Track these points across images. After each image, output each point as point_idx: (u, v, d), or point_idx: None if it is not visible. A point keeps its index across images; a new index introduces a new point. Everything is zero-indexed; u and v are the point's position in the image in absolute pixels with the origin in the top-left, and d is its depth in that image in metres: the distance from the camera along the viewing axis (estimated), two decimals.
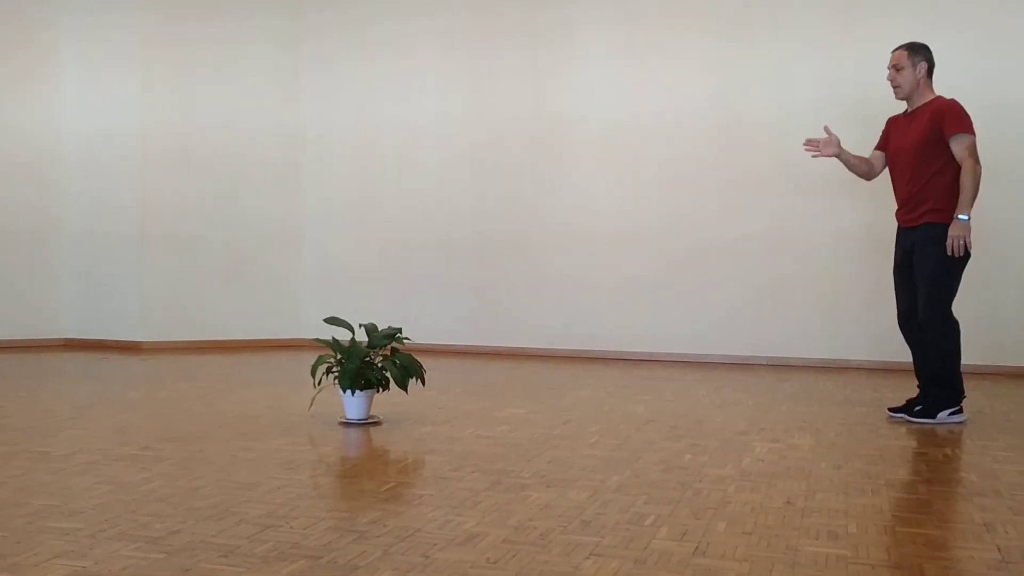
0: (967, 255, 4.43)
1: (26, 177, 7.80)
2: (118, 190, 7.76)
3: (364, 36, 7.89)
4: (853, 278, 6.63)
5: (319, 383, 4.33)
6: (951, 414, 4.49)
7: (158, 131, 7.72)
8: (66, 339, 7.95)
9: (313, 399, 4.47)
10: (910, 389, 4.95)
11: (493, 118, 7.52)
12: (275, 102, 8.01)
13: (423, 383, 4.49)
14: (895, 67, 4.58)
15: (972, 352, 6.11)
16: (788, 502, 3.02)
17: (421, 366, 4.43)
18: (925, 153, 4.45)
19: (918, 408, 4.53)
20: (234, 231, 7.91)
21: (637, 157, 7.17)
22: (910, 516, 2.88)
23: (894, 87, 4.62)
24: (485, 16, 7.53)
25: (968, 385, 4.74)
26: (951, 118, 4.40)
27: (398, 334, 4.49)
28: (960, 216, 4.33)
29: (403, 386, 4.36)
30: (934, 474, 3.45)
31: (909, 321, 4.60)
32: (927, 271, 4.44)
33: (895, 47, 4.66)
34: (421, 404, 4.85)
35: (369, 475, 3.45)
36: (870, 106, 6.51)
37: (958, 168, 4.39)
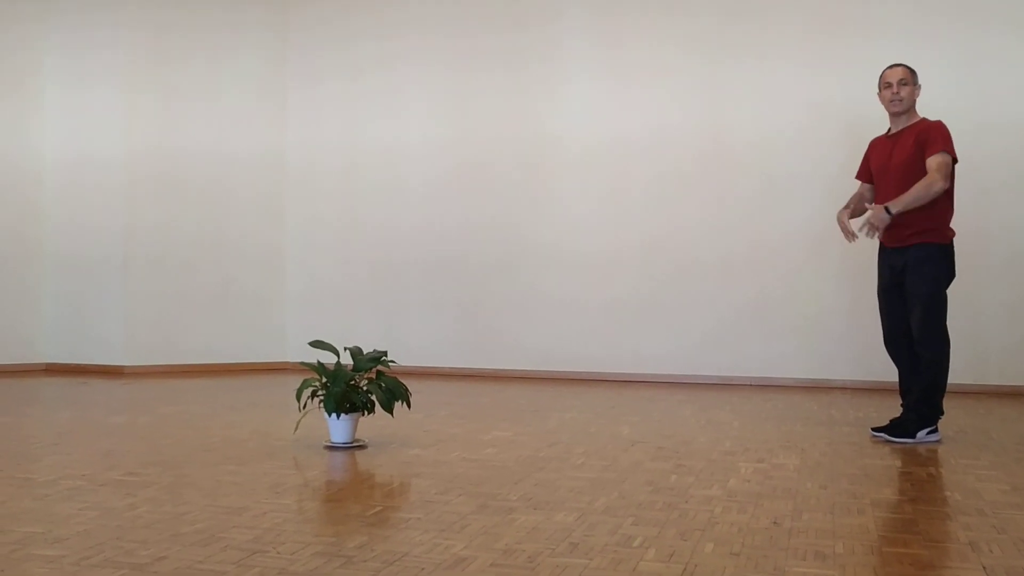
0: (954, 274, 4.50)
1: (8, 200, 7.77)
2: (101, 213, 7.73)
3: (350, 56, 7.92)
4: (836, 297, 6.68)
5: (304, 407, 4.31)
6: (928, 433, 4.52)
7: (142, 152, 7.71)
8: (47, 364, 7.88)
9: (298, 423, 4.45)
10: (893, 408, 4.99)
11: (478, 138, 7.56)
12: (259, 123, 8.02)
13: (409, 406, 4.48)
14: (901, 82, 4.59)
15: (954, 370, 6.18)
16: (775, 522, 3.02)
17: (407, 389, 4.42)
18: (913, 173, 4.47)
19: (897, 427, 4.56)
20: (218, 253, 7.89)
21: (621, 177, 7.22)
22: (896, 536, 2.89)
23: (895, 101, 4.60)
24: (471, 37, 7.58)
25: (950, 403, 4.78)
26: (937, 137, 4.45)
27: (383, 357, 4.49)
28: (888, 208, 4.36)
29: (389, 409, 4.35)
30: (919, 493, 3.47)
31: (897, 341, 4.64)
32: (922, 291, 4.47)
33: (890, 65, 4.70)
34: (407, 427, 4.84)
35: (355, 499, 3.44)
36: (852, 126, 6.60)
37: (948, 189, 4.44)
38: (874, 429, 4.68)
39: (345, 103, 7.95)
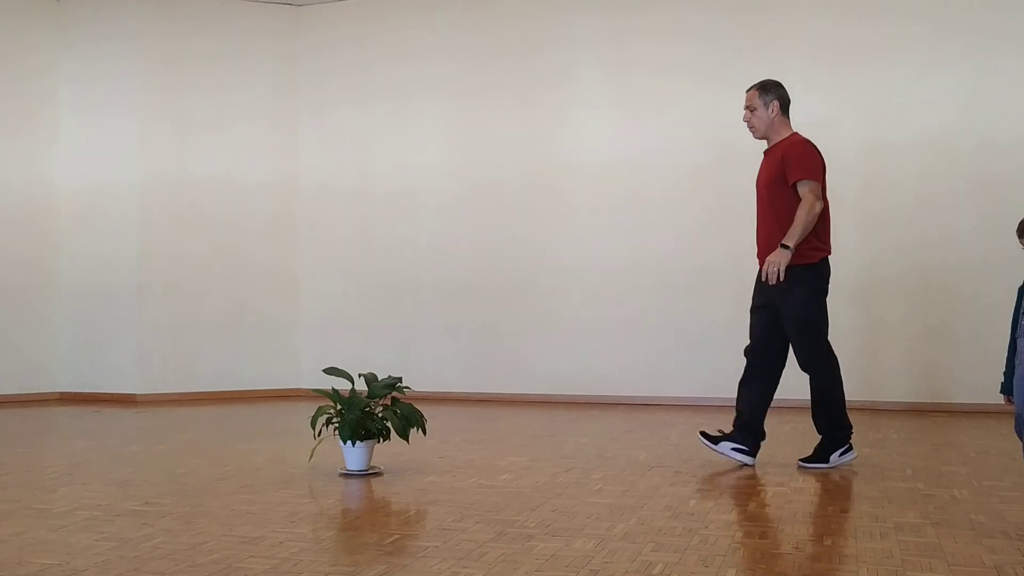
0: (825, 289, 4.39)
1: (23, 229, 7.80)
2: (115, 241, 7.76)
3: (360, 84, 7.95)
4: (855, 318, 6.64)
5: (319, 434, 4.29)
6: (841, 454, 4.40)
7: (155, 180, 7.74)
8: (60, 392, 7.89)
9: (313, 450, 4.43)
10: (910, 429, 4.94)
11: (490, 164, 7.57)
12: (271, 150, 8.05)
13: (424, 432, 4.46)
14: (748, 108, 4.49)
15: (975, 391, 6.15)
16: (796, 548, 2.99)
17: (422, 415, 4.40)
18: (777, 193, 4.37)
19: (813, 454, 4.44)
20: (231, 280, 7.90)
21: (633, 200, 7.21)
22: (920, 560, 2.85)
23: (749, 128, 4.53)
24: (481, 64, 7.61)
25: (971, 424, 4.73)
26: (794, 163, 4.30)
27: (398, 383, 4.47)
28: (784, 244, 4.22)
29: (404, 436, 4.33)
30: (942, 516, 3.42)
31: (755, 353, 4.54)
32: (795, 314, 4.35)
33: (748, 87, 4.57)
34: (422, 454, 4.82)
35: (372, 527, 3.42)
36: (867, 148, 6.60)
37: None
38: (801, 461, 4.50)
39: (356, 130, 7.98)
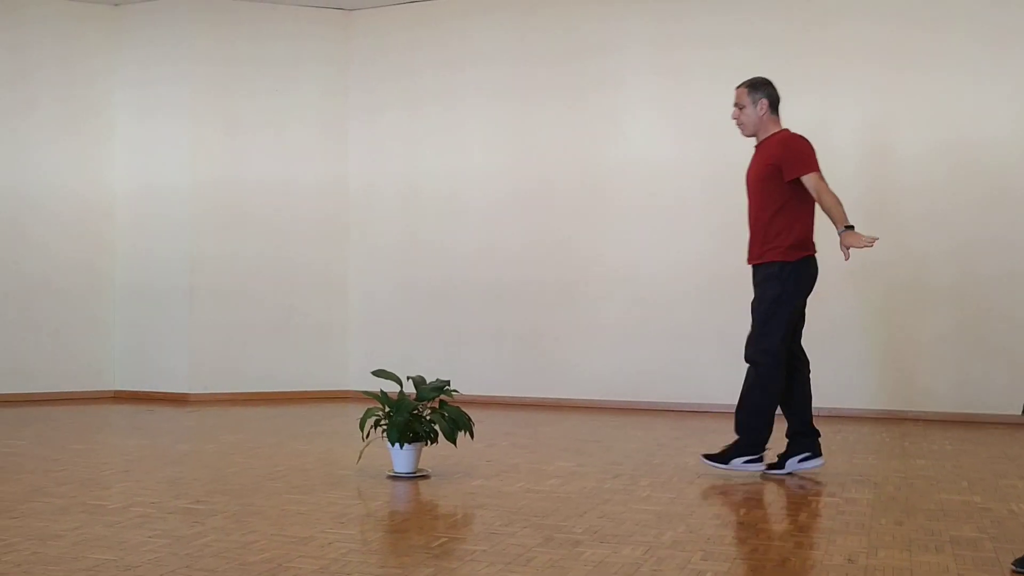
0: (800, 291, 4.33)
1: (79, 231, 7.95)
2: (167, 243, 7.88)
3: (410, 87, 7.98)
4: (910, 328, 6.52)
5: (367, 436, 4.32)
6: (746, 462, 4.28)
7: (207, 183, 7.84)
8: (115, 391, 8.04)
9: (361, 452, 4.45)
10: (970, 441, 4.84)
11: (538, 167, 7.56)
12: (321, 153, 8.13)
13: (471, 436, 4.46)
14: (737, 105, 4.50)
15: None
16: (849, 560, 2.94)
17: (470, 419, 4.40)
18: (765, 189, 4.37)
19: (722, 451, 4.35)
20: (281, 282, 7.98)
21: (683, 205, 7.14)
22: (978, 575, 2.79)
23: (738, 125, 4.53)
24: (531, 67, 7.60)
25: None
26: (794, 159, 4.29)
27: (446, 387, 4.48)
28: (845, 226, 4.15)
29: (452, 439, 4.34)
30: (999, 530, 3.35)
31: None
32: (759, 308, 4.39)
33: (737, 85, 4.56)
34: (469, 457, 4.82)
35: (419, 530, 3.43)
36: (915, 154, 6.49)
37: (799, 207, 4.30)
38: (768, 466, 4.38)
39: (406, 133, 8.02)
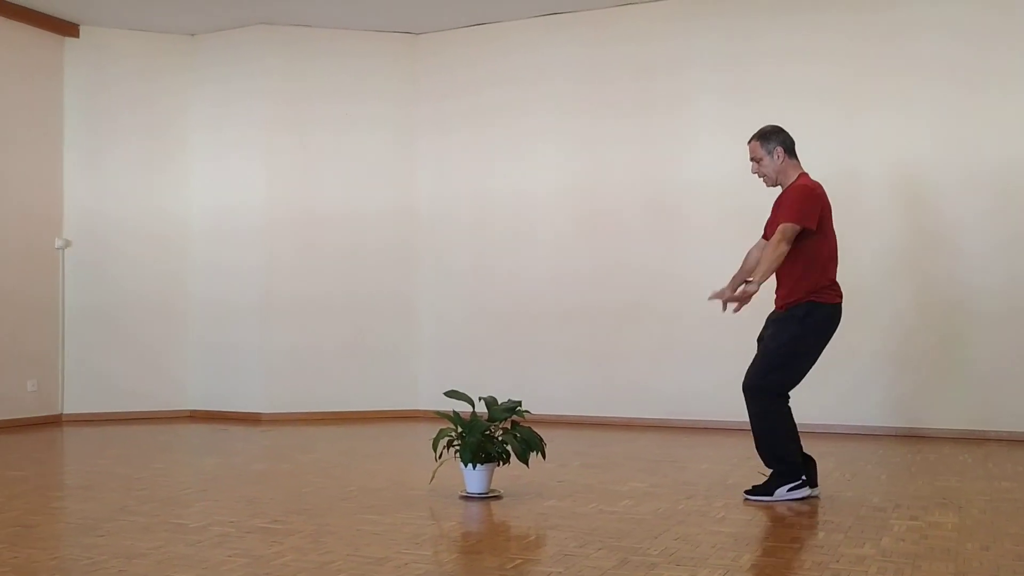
0: (819, 339, 4.34)
1: (161, 255, 8.19)
2: (242, 267, 8.05)
3: (478, 115, 8.00)
4: (997, 345, 6.33)
5: (440, 456, 4.34)
6: (790, 490, 4.21)
7: (281, 211, 8.01)
8: (191, 411, 8.22)
9: (434, 472, 4.48)
10: None
11: (608, 185, 7.54)
12: (391, 176, 8.23)
13: (543, 456, 4.45)
14: (754, 159, 4.50)
15: None
16: None
17: (541, 439, 4.40)
18: None
19: (760, 485, 4.29)
20: (352, 304, 8.09)
21: (754, 224, 6.98)
22: None
23: (760, 178, 4.55)
24: (600, 84, 7.60)
25: None
26: (785, 206, 4.35)
27: (518, 407, 4.49)
28: (750, 281, 4.30)
29: (524, 460, 4.34)
30: None
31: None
32: (769, 345, 4.37)
33: (749, 139, 4.56)
34: (541, 477, 4.81)
35: (493, 551, 3.43)
36: (970, 173, 6.32)
37: (812, 254, 4.31)
38: (746, 492, 4.34)
39: (475, 152, 8.07)
